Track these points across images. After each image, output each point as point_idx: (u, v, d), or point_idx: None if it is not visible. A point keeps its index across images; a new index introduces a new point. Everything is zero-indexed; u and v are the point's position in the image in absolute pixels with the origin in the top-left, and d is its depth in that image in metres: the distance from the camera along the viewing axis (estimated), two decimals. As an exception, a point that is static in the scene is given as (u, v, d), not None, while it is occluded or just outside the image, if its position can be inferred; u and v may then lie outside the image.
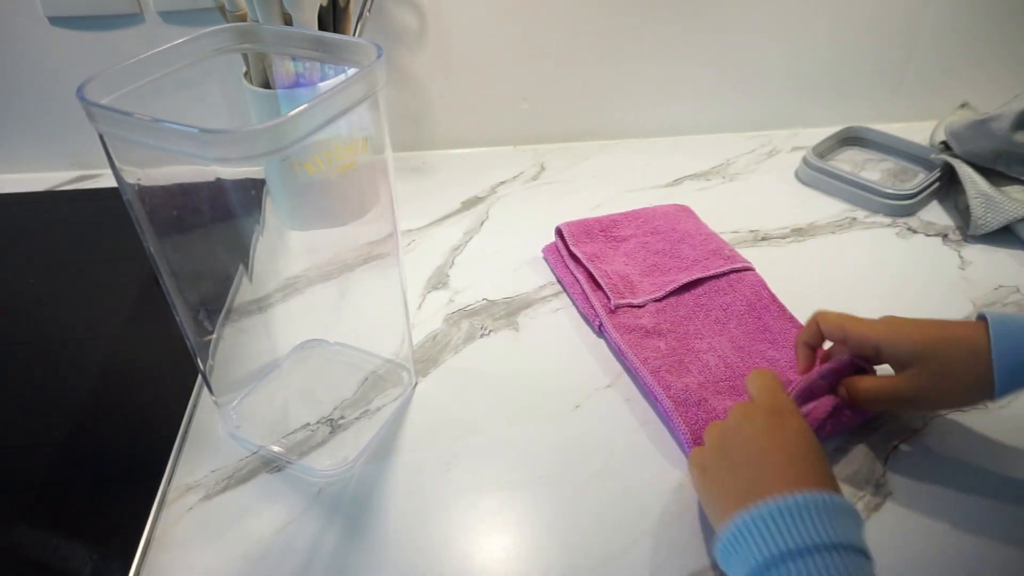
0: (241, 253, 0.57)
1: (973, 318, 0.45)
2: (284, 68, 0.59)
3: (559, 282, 0.65)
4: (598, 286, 0.61)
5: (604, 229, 0.68)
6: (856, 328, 0.48)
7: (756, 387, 0.45)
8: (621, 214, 0.70)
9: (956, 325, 0.45)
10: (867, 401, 0.48)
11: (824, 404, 0.48)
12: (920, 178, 0.76)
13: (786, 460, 0.39)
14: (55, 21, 0.74)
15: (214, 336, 0.50)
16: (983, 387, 0.43)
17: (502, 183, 0.81)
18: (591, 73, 0.83)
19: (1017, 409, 0.52)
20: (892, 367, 0.47)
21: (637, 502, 0.47)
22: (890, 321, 0.47)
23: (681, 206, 0.71)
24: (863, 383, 0.48)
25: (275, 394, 0.55)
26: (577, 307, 0.62)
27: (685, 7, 0.79)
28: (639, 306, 0.59)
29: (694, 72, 0.84)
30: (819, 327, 0.50)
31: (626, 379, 0.55)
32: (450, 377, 0.56)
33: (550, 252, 0.68)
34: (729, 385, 0.52)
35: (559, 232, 0.67)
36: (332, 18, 0.66)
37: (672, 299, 0.60)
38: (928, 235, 0.71)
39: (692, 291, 0.61)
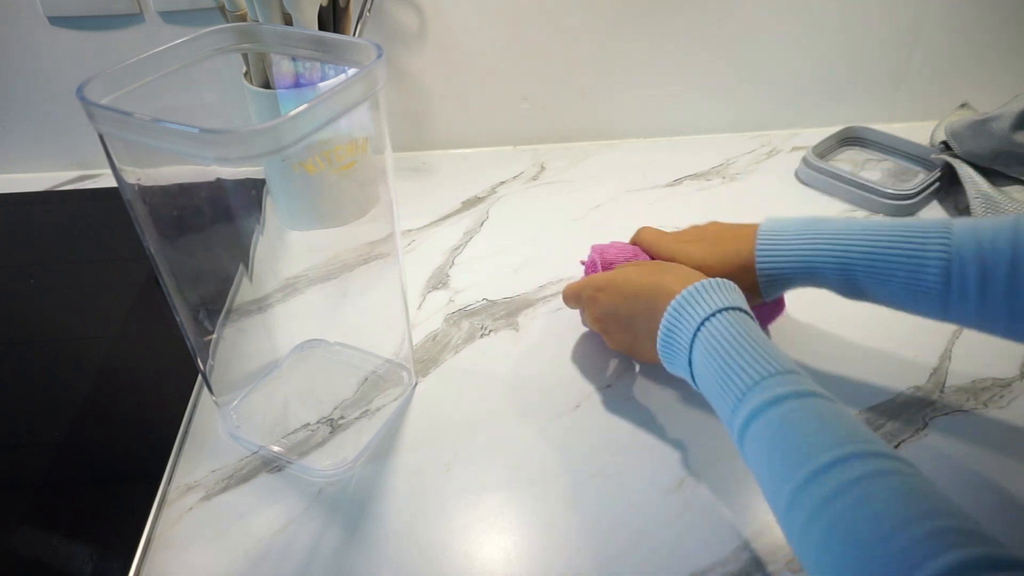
0: (241, 253, 0.57)
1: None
2: (284, 68, 0.59)
3: None
4: None
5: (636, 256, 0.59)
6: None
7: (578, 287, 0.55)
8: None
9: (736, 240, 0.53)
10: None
11: None
12: (920, 178, 0.76)
13: (661, 279, 0.48)
14: (55, 21, 0.74)
15: (214, 336, 0.50)
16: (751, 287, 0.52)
17: (502, 183, 0.81)
18: (591, 73, 0.83)
19: (1017, 409, 0.52)
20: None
21: (637, 502, 0.47)
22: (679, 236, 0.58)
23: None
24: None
25: (275, 394, 0.55)
26: None
27: (685, 7, 0.79)
28: None
29: (694, 72, 0.84)
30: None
31: (626, 379, 0.55)
32: (450, 377, 0.56)
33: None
34: None
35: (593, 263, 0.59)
36: (332, 18, 0.66)
37: None
38: (928, 235, 0.71)
39: None
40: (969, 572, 0.27)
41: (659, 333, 0.46)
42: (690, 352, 0.44)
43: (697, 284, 0.45)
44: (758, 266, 0.51)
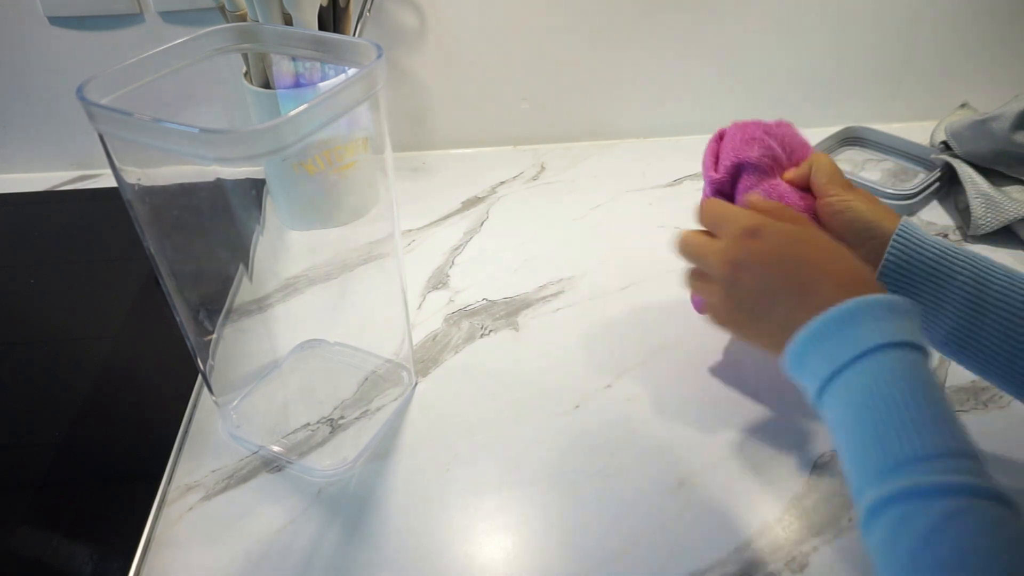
0: (241, 253, 0.57)
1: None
2: (284, 68, 0.59)
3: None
4: None
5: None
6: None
7: (717, 218, 0.45)
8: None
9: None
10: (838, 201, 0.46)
11: None
12: (920, 178, 0.76)
13: (814, 268, 0.39)
14: (55, 21, 0.74)
15: (214, 336, 0.50)
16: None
17: (502, 183, 0.81)
18: (591, 73, 0.83)
19: (1017, 409, 0.52)
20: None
21: (637, 502, 0.47)
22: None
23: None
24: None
25: (275, 394, 0.55)
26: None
27: (685, 7, 0.79)
28: None
29: (694, 72, 0.84)
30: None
31: (626, 379, 0.55)
32: (450, 377, 0.56)
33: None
34: None
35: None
36: (332, 18, 0.66)
37: None
38: (928, 235, 0.71)
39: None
40: None
41: (796, 339, 0.37)
42: (829, 382, 0.35)
43: (867, 299, 0.35)
44: (893, 241, 0.43)
